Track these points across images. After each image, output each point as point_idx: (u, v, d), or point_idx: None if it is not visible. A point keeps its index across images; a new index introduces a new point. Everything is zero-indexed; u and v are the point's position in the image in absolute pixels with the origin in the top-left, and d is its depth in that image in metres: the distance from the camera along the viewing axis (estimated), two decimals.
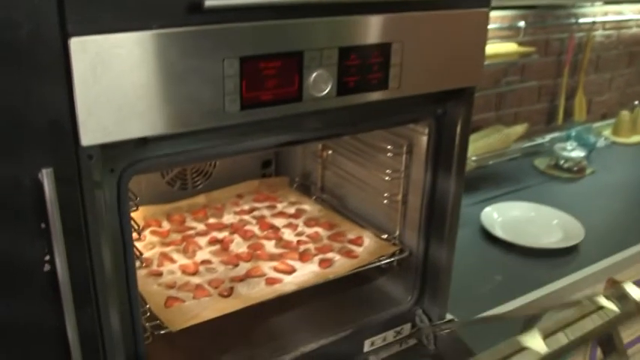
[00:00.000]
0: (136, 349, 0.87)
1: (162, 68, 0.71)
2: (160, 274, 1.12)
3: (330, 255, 1.21)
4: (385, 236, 1.25)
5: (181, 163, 1.01)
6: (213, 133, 0.81)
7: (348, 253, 1.21)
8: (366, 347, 1.15)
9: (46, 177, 0.67)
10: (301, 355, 1.07)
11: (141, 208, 1.30)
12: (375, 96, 0.91)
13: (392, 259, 1.20)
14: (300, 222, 1.34)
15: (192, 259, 1.18)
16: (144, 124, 0.73)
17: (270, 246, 1.24)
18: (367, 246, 1.23)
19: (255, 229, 1.31)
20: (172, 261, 1.17)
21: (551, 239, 1.60)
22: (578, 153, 2.06)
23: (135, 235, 0.88)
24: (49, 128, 0.67)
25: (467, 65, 0.99)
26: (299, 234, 1.29)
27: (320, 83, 0.84)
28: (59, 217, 0.69)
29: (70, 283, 0.73)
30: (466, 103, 1.04)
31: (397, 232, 1.22)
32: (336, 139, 1.35)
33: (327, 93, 0.85)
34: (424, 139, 1.10)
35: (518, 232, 1.61)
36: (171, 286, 1.08)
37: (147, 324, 0.96)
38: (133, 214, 0.97)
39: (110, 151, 0.74)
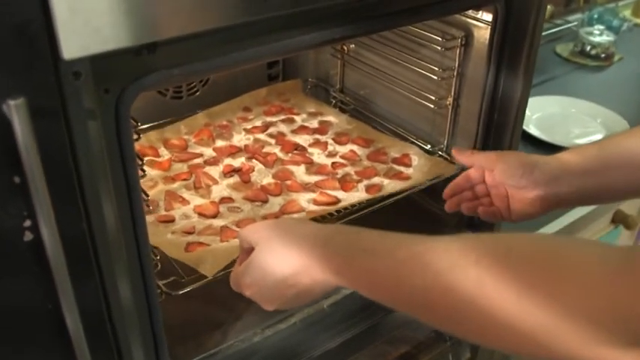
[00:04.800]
0: (150, 318, 0.68)
1: None
2: (171, 220, 0.89)
3: (376, 180, 0.99)
4: (428, 147, 1.04)
5: (202, 74, 0.78)
6: (248, 29, 0.58)
7: (398, 176, 0.99)
8: None
9: (16, 110, 0.44)
10: (342, 298, 0.89)
11: None
12: None
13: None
14: (328, 139, 1.11)
15: (209, 198, 0.95)
16: (152, 21, 0.50)
17: (300, 173, 1.01)
18: (417, 165, 1.02)
19: (277, 151, 1.07)
20: (184, 202, 0.94)
21: (595, 139, 1.41)
22: (607, 38, 1.85)
23: (139, 172, 0.66)
24: (15, 37, 0.44)
25: None
26: (331, 154, 1.07)
27: None
28: (39, 164, 0.47)
29: (64, 253, 0.52)
30: None
31: (445, 143, 1.02)
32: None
33: None
34: (486, 28, 0.88)
35: (558, 131, 1.42)
36: (189, 232, 0.86)
37: (160, 282, 0.76)
38: None
39: (104, 64, 0.51)
